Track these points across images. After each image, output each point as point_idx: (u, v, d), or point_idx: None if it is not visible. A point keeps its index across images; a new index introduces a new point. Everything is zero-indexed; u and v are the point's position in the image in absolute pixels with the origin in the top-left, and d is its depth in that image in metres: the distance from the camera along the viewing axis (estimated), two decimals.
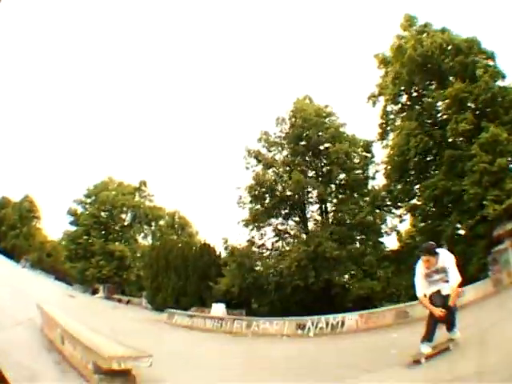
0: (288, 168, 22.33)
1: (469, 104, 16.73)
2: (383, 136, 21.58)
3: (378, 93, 21.65)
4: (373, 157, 22.56)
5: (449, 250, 15.05)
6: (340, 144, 21.18)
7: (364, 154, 22.52)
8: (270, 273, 20.41)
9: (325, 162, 22.75)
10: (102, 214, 30.15)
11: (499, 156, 15.09)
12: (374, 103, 21.77)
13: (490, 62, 17.67)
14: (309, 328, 12.81)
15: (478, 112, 16.63)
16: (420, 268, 5.43)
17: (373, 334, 10.14)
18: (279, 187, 22.06)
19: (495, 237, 14.55)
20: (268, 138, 23.91)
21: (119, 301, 26.50)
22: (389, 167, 20.62)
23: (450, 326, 5.34)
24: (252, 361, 7.65)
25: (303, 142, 22.45)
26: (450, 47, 18.16)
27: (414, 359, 5.10)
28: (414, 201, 20.23)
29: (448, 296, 5.12)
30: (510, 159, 15.28)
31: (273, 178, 22.01)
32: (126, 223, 31.10)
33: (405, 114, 20.34)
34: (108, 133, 58.83)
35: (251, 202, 22.61)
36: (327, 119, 23.29)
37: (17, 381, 2.45)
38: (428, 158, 19.34)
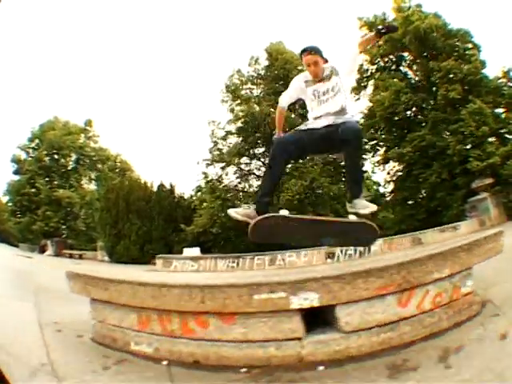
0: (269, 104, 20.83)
1: (457, 79, 19.47)
2: (357, 90, 23.66)
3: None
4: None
5: (430, 196, 18.61)
6: None
7: None
8: None
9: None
10: (47, 157, 25.86)
11: (483, 125, 18.25)
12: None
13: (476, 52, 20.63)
14: (338, 256, 13.22)
15: (465, 87, 19.53)
16: (298, 79, 3.35)
17: None
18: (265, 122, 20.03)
19: (473, 189, 18.01)
20: (240, 76, 22.93)
21: (70, 256, 22.77)
22: (372, 119, 22.19)
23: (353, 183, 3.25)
24: None
25: (282, 82, 21.67)
26: (441, 30, 20.64)
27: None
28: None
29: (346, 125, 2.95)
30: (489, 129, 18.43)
31: (263, 111, 20.16)
32: (70, 167, 26.87)
33: (380, 74, 22.87)
34: (50, 68, 51.21)
35: (224, 137, 21.00)
36: None
37: (17, 380, 1.63)
38: (412, 115, 22.01)
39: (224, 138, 21.06)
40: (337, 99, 3.15)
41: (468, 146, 18.82)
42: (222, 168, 21.06)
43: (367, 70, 23.66)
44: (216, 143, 20.98)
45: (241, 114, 20.24)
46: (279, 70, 21.47)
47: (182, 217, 19.59)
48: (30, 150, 26.92)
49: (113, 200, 19.87)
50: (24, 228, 24.91)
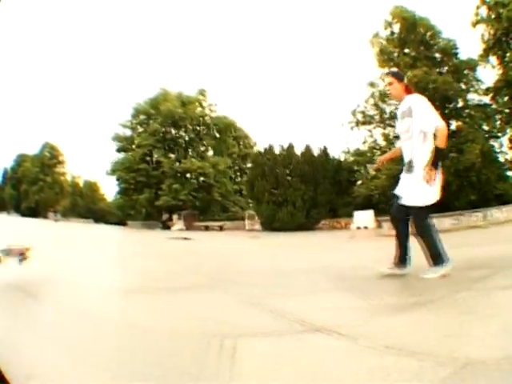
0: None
1: None
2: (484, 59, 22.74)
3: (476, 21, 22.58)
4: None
5: None
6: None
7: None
8: None
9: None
10: (163, 130, 24.78)
11: None
12: (475, 27, 22.80)
13: None
14: None
15: None
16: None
17: None
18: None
19: None
20: (379, 40, 22.30)
21: (206, 228, 21.84)
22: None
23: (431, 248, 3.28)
24: None
25: (427, 48, 21.78)
26: None
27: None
28: None
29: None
30: None
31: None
32: (188, 138, 25.70)
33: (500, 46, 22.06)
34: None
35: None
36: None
37: (17, 380, 1.57)
38: None
39: (383, 101, 20.63)
40: (409, 145, 3.30)
41: None
42: (369, 130, 20.94)
43: (488, 40, 22.83)
44: (376, 105, 20.56)
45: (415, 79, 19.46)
46: (422, 35, 21.26)
47: (346, 180, 19.15)
48: (138, 126, 25.86)
49: (270, 165, 19.21)
50: (143, 203, 23.86)
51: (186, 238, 14.78)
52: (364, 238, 13.68)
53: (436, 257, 3.17)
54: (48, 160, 31.27)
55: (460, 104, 21.71)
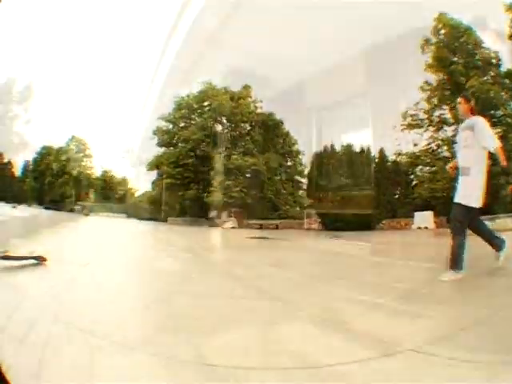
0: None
1: None
2: None
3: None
4: None
5: None
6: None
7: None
8: None
9: None
10: (211, 124, 24.53)
11: None
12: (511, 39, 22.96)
13: None
14: None
15: None
16: None
17: None
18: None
19: None
20: (430, 46, 22.69)
21: (260, 227, 21.89)
22: None
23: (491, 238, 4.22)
24: None
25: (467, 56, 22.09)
26: None
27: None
28: None
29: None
30: None
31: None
32: (233, 133, 25.38)
33: None
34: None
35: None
36: None
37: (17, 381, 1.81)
38: None
39: (437, 105, 21.30)
40: (465, 153, 3.91)
41: None
42: (420, 134, 21.41)
43: None
44: (433, 109, 21.29)
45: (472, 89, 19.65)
46: (467, 44, 21.74)
47: (404, 181, 19.95)
48: (179, 120, 25.43)
49: (334, 164, 19.75)
50: (189, 200, 23.56)
51: (268, 238, 14.05)
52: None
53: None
54: (74, 153, 30.29)
55: (501, 112, 23.09)
